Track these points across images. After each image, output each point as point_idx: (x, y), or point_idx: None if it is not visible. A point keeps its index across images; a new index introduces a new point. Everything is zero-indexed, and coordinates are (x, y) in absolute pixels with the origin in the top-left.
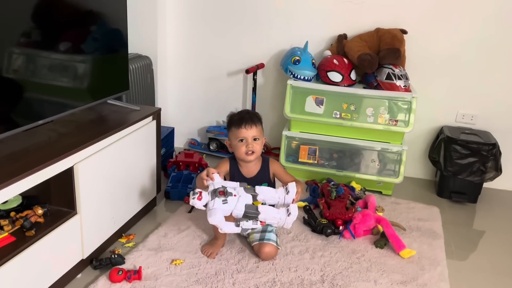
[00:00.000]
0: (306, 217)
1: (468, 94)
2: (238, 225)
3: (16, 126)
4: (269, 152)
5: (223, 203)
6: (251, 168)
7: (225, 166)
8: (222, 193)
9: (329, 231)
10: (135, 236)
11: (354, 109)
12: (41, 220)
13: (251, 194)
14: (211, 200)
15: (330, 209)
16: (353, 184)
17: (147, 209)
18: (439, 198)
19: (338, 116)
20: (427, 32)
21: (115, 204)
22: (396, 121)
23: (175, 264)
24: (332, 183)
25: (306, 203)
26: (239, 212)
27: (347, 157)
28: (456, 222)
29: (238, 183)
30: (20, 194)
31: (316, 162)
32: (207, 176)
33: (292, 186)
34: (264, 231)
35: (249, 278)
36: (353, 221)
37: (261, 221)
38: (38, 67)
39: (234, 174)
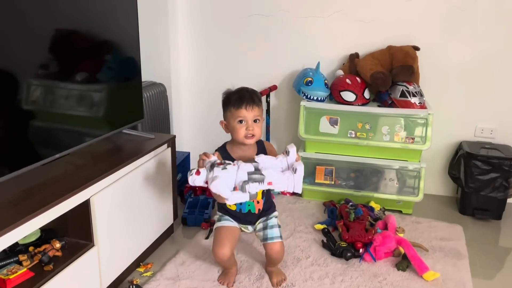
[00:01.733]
0: (325, 240)
1: (486, 108)
2: (244, 191)
3: (34, 161)
4: None
5: (222, 170)
6: (247, 151)
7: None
8: (220, 163)
9: (349, 254)
10: (153, 265)
11: (369, 128)
12: (59, 253)
13: (252, 163)
14: (210, 171)
15: (349, 232)
16: (372, 204)
17: (165, 236)
18: (462, 216)
19: (353, 135)
20: (440, 47)
21: (132, 233)
22: (413, 138)
23: None
24: (351, 204)
25: (324, 226)
26: (242, 179)
27: (365, 176)
28: (480, 240)
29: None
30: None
31: (333, 182)
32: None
33: (290, 146)
34: (265, 227)
35: None
36: (373, 243)
37: (268, 182)
38: (55, 99)
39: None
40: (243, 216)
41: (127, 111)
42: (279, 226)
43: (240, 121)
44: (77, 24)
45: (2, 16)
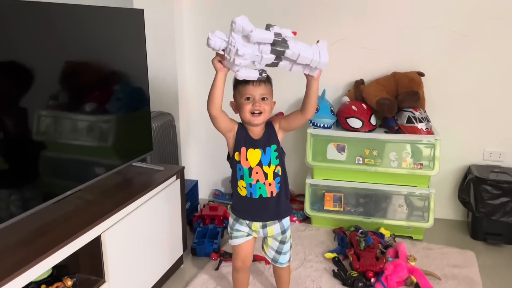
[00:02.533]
0: (336, 270)
1: (493, 131)
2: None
3: (46, 199)
4: (294, 200)
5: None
6: (257, 132)
7: (233, 126)
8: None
9: (360, 284)
10: None
11: (377, 154)
12: None
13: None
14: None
15: (360, 261)
16: (382, 230)
17: (175, 268)
18: (474, 241)
19: (361, 162)
20: (445, 72)
21: (143, 267)
22: (421, 164)
23: None
24: (360, 231)
25: (335, 254)
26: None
27: (374, 202)
28: (494, 266)
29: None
30: None
31: (342, 209)
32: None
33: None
34: (279, 252)
35: None
36: (384, 272)
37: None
38: (65, 134)
39: (241, 138)
40: (255, 204)
41: (137, 144)
42: (291, 247)
43: (247, 98)
44: (87, 56)
45: (14, 49)
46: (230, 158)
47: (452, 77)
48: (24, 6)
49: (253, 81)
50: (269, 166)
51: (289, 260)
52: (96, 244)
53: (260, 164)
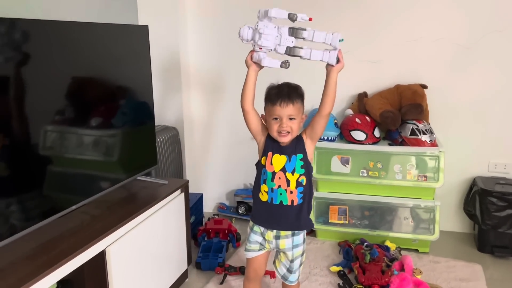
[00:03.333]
0: (341, 284)
1: (498, 143)
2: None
3: (51, 214)
4: None
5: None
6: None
7: (264, 132)
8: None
9: None
10: None
11: (381, 167)
12: None
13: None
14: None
15: (365, 274)
16: (388, 243)
17: (180, 282)
18: (481, 254)
19: (365, 174)
20: (448, 84)
21: (148, 281)
22: (425, 176)
23: None
24: (366, 244)
25: (340, 268)
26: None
27: (379, 215)
28: (502, 279)
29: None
30: None
31: (347, 222)
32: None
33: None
34: (290, 270)
35: None
36: (390, 286)
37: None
38: (69, 148)
39: (269, 144)
40: (274, 211)
41: (141, 158)
42: (301, 265)
43: (275, 118)
44: (92, 72)
45: (23, 65)
46: (257, 163)
47: (456, 89)
48: (33, 24)
49: (281, 101)
50: (292, 173)
51: (298, 278)
52: (100, 258)
53: (283, 170)
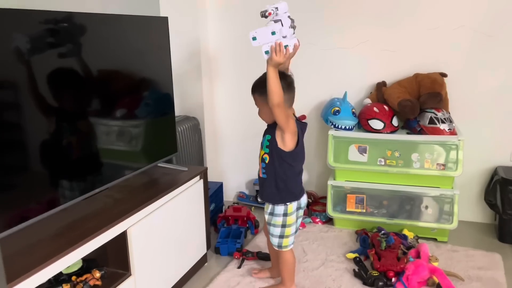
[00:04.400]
0: (356, 270)
1: None
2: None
3: (76, 196)
4: (317, 202)
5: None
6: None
7: None
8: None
9: (380, 284)
10: None
11: (398, 156)
12: (99, 283)
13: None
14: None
15: (380, 260)
16: (406, 232)
17: (199, 266)
18: (501, 244)
19: (383, 163)
20: (469, 72)
21: (167, 263)
22: (444, 165)
23: None
24: (383, 232)
25: (356, 255)
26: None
27: (397, 204)
28: None
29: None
30: (81, 258)
31: (364, 210)
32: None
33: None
34: (270, 233)
35: None
36: (405, 272)
37: None
38: (94, 136)
39: None
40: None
41: (162, 146)
42: (280, 237)
43: None
44: (115, 64)
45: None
46: None
47: (477, 78)
48: (55, 15)
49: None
50: (261, 150)
51: (279, 247)
52: (122, 239)
53: (260, 146)
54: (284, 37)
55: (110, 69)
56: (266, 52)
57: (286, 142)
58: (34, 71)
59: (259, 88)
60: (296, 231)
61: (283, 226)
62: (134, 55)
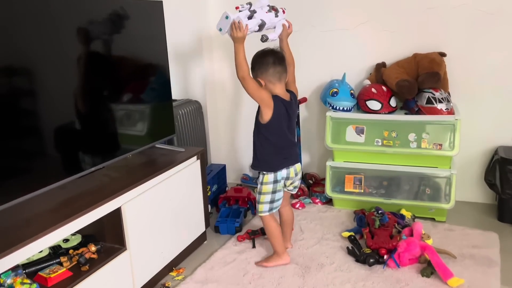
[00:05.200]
0: (350, 247)
1: None
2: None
3: (72, 173)
4: (318, 183)
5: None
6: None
7: None
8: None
9: (372, 260)
10: (185, 270)
11: (395, 136)
12: (94, 256)
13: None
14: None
15: (373, 238)
16: (403, 212)
17: (198, 243)
18: (501, 223)
19: (380, 143)
20: (470, 51)
21: (164, 240)
22: (440, 145)
23: None
24: (380, 211)
25: (351, 233)
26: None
27: (395, 184)
28: None
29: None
30: (80, 234)
31: (362, 191)
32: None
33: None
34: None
35: None
36: (397, 249)
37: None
38: (94, 117)
39: None
40: None
41: (160, 127)
42: (257, 202)
43: None
44: (111, 48)
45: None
46: None
47: (478, 57)
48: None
49: None
50: None
51: (258, 211)
52: (117, 215)
53: None
54: (249, 18)
55: (107, 52)
56: (220, 30)
57: (263, 115)
58: (33, 52)
59: (252, 68)
60: (275, 201)
61: (259, 193)
62: (131, 39)
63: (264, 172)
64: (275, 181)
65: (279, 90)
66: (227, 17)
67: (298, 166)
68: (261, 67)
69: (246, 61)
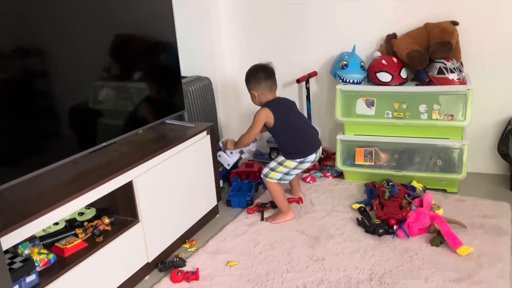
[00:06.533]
0: (359, 219)
1: None
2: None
3: (84, 148)
4: (329, 157)
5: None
6: None
7: None
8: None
9: (381, 231)
10: (197, 242)
11: (406, 107)
12: (108, 228)
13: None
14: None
15: (383, 209)
16: (414, 183)
17: (210, 217)
18: None
19: (390, 115)
20: (484, 19)
21: (176, 213)
22: (452, 115)
23: (230, 265)
24: (391, 183)
25: (361, 205)
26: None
27: (406, 156)
28: None
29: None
30: (94, 207)
31: (373, 163)
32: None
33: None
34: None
35: (297, 277)
36: (407, 220)
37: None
38: (105, 95)
39: None
40: None
41: (169, 104)
42: (271, 169)
43: None
44: (119, 26)
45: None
46: None
47: (491, 25)
48: None
49: None
50: None
51: (265, 175)
52: (129, 189)
53: None
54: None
55: (116, 30)
56: (228, 165)
57: (266, 124)
58: (46, 33)
59: (245, 80)
60: (289, 175)
61: (279, 163)
62: (139, 16)
63: (286, 159)
64: (301, 162)
65: (271, 97)
66: (219, 156)
67: (320, 149)
68: (254, 81)
69: (246, 140)
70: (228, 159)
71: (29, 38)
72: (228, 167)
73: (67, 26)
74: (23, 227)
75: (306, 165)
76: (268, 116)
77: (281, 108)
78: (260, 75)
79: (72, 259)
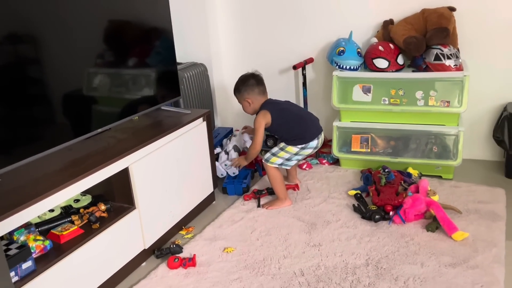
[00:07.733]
0: (356, 205)
1: None
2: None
3: (79, 135)
4: (325, 144)
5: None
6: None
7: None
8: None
9: (377, 217)
10: (194, 228)
11: (402, 94)
12: (104, 215)
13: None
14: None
15: (379, 196)
16: (410, 170)
17: (206, 204)
18: (508, 180)
19: (387, 102)
20: (481, 5)
21: (172, 199)
22: (448, 102)
23: (227, 251)
24: (387, 170)
25: (358, 191)
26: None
27: (402, 143)
28: None
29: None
30: (90, 194)
31: (369, 150)
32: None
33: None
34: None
35: (294, 263)
36: (403, 206)
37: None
38: (99, 82)
39: None
40: None
41: (165, 90)
42: (272, 154)
43: None
44: (114, 12)
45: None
46: None
47: (489, 11)
48: None
49: None
50: None
51: (266, 160)
52: (125, 175)
53: None
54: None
55: (110, 16)
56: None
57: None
58: (38, 18)
59: (235, 91)
60: (290, 161)
61: (281, 149)
62: (133, 2)
63: (287, 145)
64: (303, 148)
65: (264, 99)
66: (226, 164)
67: (322, 135)
68: (247, 89)
69: (255, 151)
70: (235, 169)
71: (21, 24)
72: (233, 175)
73: (60, 11)
74: (18, 213)
75: (308, 151)
76: (266, 117)
77: (275, 103)
78: (251, 81)
79: (68, 245)
